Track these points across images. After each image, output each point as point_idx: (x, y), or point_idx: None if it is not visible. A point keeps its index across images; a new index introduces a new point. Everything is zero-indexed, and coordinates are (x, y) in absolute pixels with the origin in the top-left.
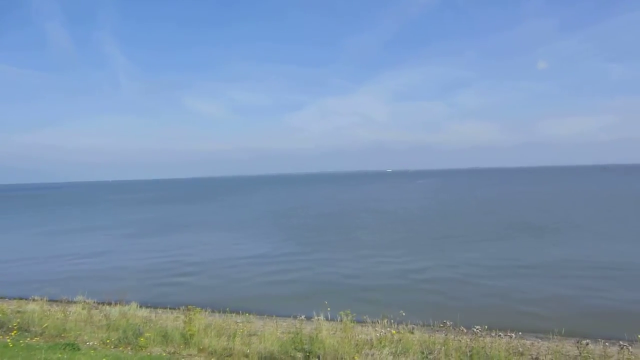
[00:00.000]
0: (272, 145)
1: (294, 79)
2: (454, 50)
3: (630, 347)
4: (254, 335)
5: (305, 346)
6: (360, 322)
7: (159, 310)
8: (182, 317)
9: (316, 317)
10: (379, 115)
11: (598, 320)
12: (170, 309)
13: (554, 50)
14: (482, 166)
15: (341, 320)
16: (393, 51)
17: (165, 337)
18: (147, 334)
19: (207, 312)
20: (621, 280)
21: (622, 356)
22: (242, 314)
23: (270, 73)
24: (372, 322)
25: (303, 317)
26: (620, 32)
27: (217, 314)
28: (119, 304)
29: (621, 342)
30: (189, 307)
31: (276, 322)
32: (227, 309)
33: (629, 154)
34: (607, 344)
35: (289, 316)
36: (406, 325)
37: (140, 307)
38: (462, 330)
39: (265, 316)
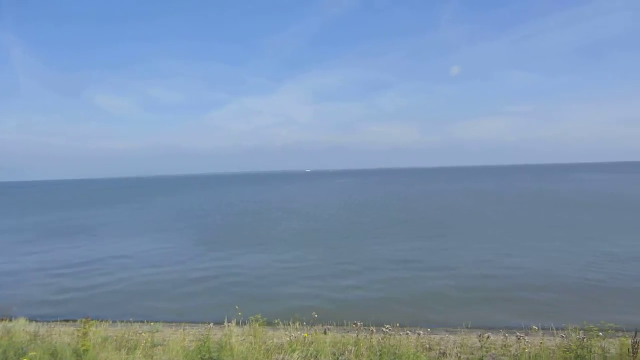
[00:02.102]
0: (191, 144)
1: (214, 77)
2: (375, 52)
3: (525, 337)
4: (159, 345)
5: (213, 354)
6: (273, 325)
7: (53, 324)
8: (78, 330)
9: (226, 323)
10: (299, 115)
11: (500, 311)
12: (64, 321)
13: (468, 55)
14: (400, 166)
15: (252, 325)
16: (314, 51)
17: (53, 355)
18: (32, 353)
19: (107, 324)
20: (519, 273)
21: (519, 345)
22: (148, 322)
23: (189, 70)
24: (284, 325)
25: (211, 324)
26: (528, 41)
27: (119, 325)
28: (3, 320)
29: (518, 333)
30: (85, 318)
31: (184, 329)
32: (131, 318)
33: (534, 154)
34: (506, 334)
35: (200, 322)
36: (320, 326)
37: (30, 321)
38: (372, 330)
39: (174, 324)
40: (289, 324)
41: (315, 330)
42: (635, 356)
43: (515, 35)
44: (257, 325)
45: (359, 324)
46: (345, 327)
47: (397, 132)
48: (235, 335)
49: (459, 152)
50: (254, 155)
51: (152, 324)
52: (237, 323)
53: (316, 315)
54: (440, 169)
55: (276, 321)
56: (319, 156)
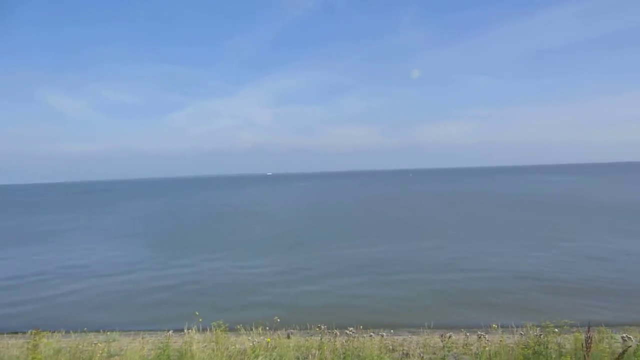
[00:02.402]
0: (149, 147)
1: (173, 79)
2: (336, 54)
3: (486, 336)
4: (116, 355)
5: None
6: (235, 331)
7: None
8: (28, 343)
9: (187, 330)
10: (260, 118)
11: (461, 311)
12: (13, 334)
13: (428, 58)
14: (362, 169)
15: (214, 331)
16: (275, 54)
17: None
18: None
19: (60, 335)
20: (478, 273)
21: (480, 344)
22: (104, 332)
23: (146, 72)
24: (247, 331)
25: (171, 332)
26: (486, 46)
27: (72, 336)
28: None
29: (479, 332)
30: (36, 330)
31: (143, 338)
32: (85, 328)
33: (489, 157)
34: (468, 334)
35: (159, 330)
36: (284, 330)
37: None
38: (336, 333)
39: (132, 332)
40: (252, 330)
41: (279, 334)
42: (589, 350)
43: (474, 40)
44: (219, 331)
45: (322, 327)
46: (308, 331)
47: (358, 134)
48: (196, 342)
49: (420, 155)
50: (214, 158)
51: (108, 333)
52: (198, 330)
53: (279, 320)
54: (401, 171)
55: (238, 327)
56: (281, 159)
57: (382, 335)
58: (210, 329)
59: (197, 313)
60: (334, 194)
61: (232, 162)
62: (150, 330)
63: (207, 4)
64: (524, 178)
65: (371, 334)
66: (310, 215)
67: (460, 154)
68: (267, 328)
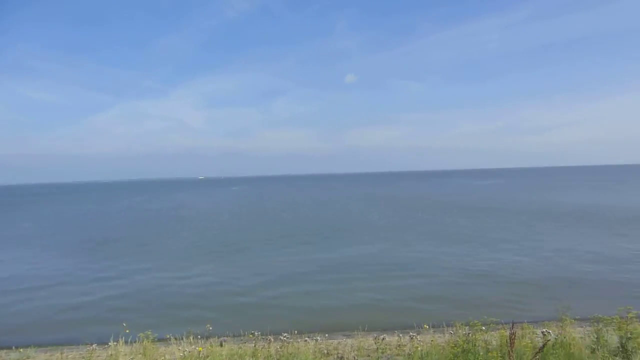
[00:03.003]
0: (71, 149)
1: (99, 78)
2: (270, 57)
3: (418, 336)
4: None
5: None
6: (165, 341)
7: None
8: None
9: (112, 342)
10: (192, 120)
11: (394, 313)
12: None
13: (363, 63)
14: (296, 173)
15: (142, 342)
16: (208, 55)
17: None
18: None
19: None
20: (408, 274)
21: (412, 344)
22: (17, 349)
23: (69, 70)
24: (177, 340)
25: (95, 345)
26: (418, 54)
27: None
28: None
29: (411, 333)
30: None
31: (62, 353)
32: None
33: (418, 160)
34: (400, 335)
35: (81, 344)
36: (216, 338)
37: None
38: (270, 339)
39: (49, 348)
40: (182, 339)
41: (211, 343)
42: (513, 346)
43: (407, 46)
44: (147, 342)
45: (256, 333)
46: (242, 338)
47: (293, 138)
48: (122, 355)
49: (355, 159)
50: (143, 161)
51: (21, 350)
52: (125, 342)
53: (211, 328)
54: (336, 175)
55: (168, 337)
56: (213, 163)
57: (317, 340)
58: (138, 341)
59: (125, 324)
60: (267, 199)
61: (162, 165)
62: (71, 345)
63: (137, 2)
64: (453, 182)
65: (306, 338)
66: (241, 220)
67: (393, 158)
68: (199, 337)
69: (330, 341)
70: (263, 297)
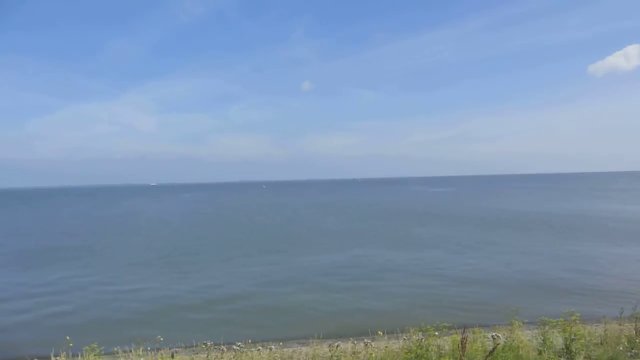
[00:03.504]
0: (10, 154)
1: (44, 81)
2: (225, 63)
3: (372, 343)
4: None
5: None
6: (112, 355)
7: None
8: None
9: (53, 357)
10: (143, 125)
11: (349, 320)
12: None
13: (319, 70)
14: (253, 179)
15: (86, 356)
16: (161, 60)
17: None
18: None
19: None
20: (363, 282)
21: (367, 351)
22: None
23: (7, 69)
24: (125, 353)
25: None
26: (372, 63)
27: None
28: None
29: (365, 340)
30: None
31: None
32: None
33: (373, 168)
34: (355, 342)
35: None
36: (167, 350)
37: None
38: (223, 349)
39: None
40: (131, 351)
41: (162, 354)
42: (464, 350)
43: (363, 54)
44: (92, 356)
45: (209, 344)
46: (194, 349)
47: (248, 144)
48: None
49: (311, 166)
50: (91, 166)
51: None
52: (68, 356)
53: (162, 339)
54: (292, 182)
55: (116, 349)
56: (166, 168)
57: (271, 349)
58: (82, 354)
59: (68, 337)
60: (219, 206)
61: (112, 170)
62: None
63: (88, 5)
64: (407, 189)
65: (259, 347)
66: (191, 229)
67: (349, 165)
68: (149, 348)
69: (285, 350)
70: (214, 307)
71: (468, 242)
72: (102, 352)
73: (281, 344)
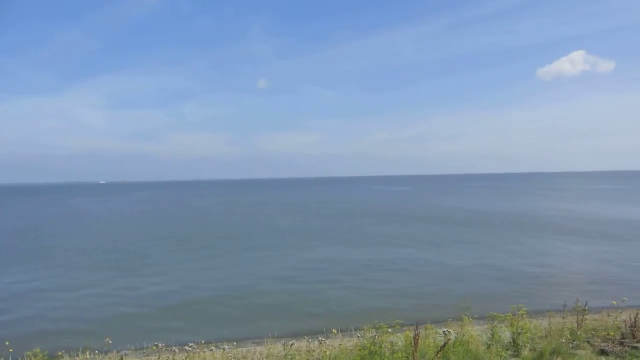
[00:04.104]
0: None
1: None
2: (180, 59)
3: (327, 341)
4: None
5: None
6: (56, 359)
7: None
8: None
9: None
10: (93, 121)
11: (304, 319)
12: None
13: (276, 68)
14: (209, 178)
15: None
16: (112, 54)
17: None
18: None
19: None
20: (316, 280)
21: (321, 349)
22: None
23: None
24: (72, 358)
25: None
26: (331, 62)
27: None
28: None
29: (320, 337)
30: None
31: None
32: None
33: (332, 167)
34: (310, 340)
35: None
36: (116, 352)
37: None
38: (175, 350)
39: None
40: (77, 355)
41: (110, 357)
42: (417, 346)
43: (321, 53)
44: None
45: (160, 345)
46: (145, 351)
47: (204, 142)
48: None
49: (267, 165)
50: (35, 164)
51: None
52: None
53: (111, 341)
54: (249, 181)
55: (60, 354)
56: (117, 166)
57: (224, 349)
58: (24, 359)
59: (8, 342)
60: (171, 205)
61: (58, 167)
62: None
63: None
64: (367, 188)
65: (212, 348)
66: (142, 227)
67: (307, 163)
68: (97, 352)
69: (239, 349)
70: (165, 307)
71: (422, 239)
72: (46, 357)
73: (235, 343)
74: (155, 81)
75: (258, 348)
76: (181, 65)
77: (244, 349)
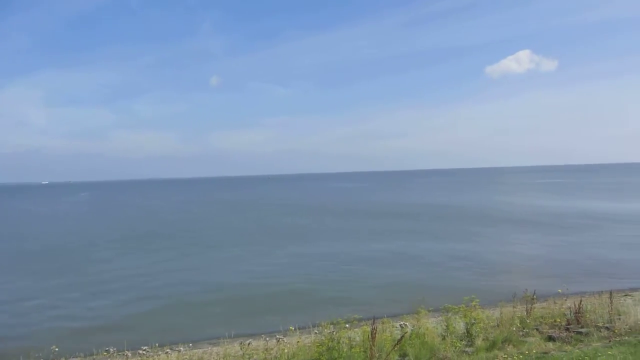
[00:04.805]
0: None
1: None
2: (128, 55)
3: (284, 338)
4: None
5: None
6: None
7: None
8: None
9: None
10: (33, 119)
11: (262, 316)
12: None
13: (228, 65)
14: (160, 177)
15: None
16: (54, 49)
17: None
18: None
19: None
20: (265, 280)
21: (279, 347)
22: None
23: None
24: None
25: None
26: (285, 59)
27: None
28: None
29: (277, 335)
30: None
31: None
32: None
33: (286, 164)
34: (267, 339)
35: None
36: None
37: None
38: (127, 354)
39: None
40: None
41: None
42: (374, 340)
43: (271, 50)
44: None
45: (111, 350)
46: (95, 357)
47: (155, 140)
48: None
49: (219, 163)
50: None
51: None
52: None
53: (57, 349)
54: (202, 179)
55: None
56: (61, 166)
57: (180, 351)
58: None
59: None
60: (118, 205)
61: None
62: None
63: None
64: (321, 185)
65: (167, 350)
66: (87, 228)
67: (261, 161)
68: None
69: (195, 351)
70: (116, 310)
71: (379, 233)
72: None
73: (191, 345)
74: (103, 77)
75: (215, 349)
76: (130, 62)
77: (200, 350)
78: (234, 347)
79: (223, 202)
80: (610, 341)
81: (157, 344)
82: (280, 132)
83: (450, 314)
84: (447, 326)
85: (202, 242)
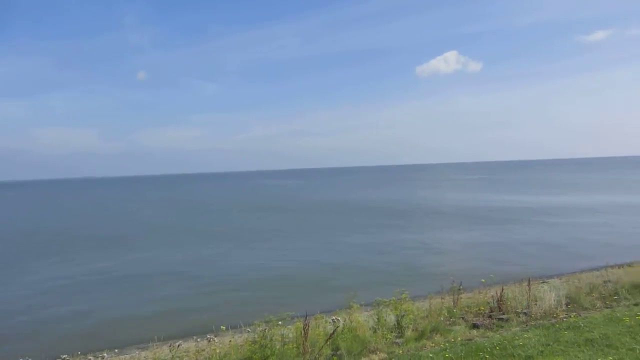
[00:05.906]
0: None
1: None
2: (43, 48)
3: (216, 339)
4: None
5: None
6: None
7: None
8: None
9: None
10: None
11: (192, 319)
12: None
13: (155, 60)
14: (81, 176)
15: None
16: None
17: None
18: None
19: None
20: (199, 280)
21: (211, 348)
22: None
23: None
24: None
25: None
26: (212, 55)
27: None
28: None
29: (208, 336)
30: None
31: None
32: None
33: (213, 162)
34: (198, 340)
35: None
36: None
37: None
38: None
39: None
40: None
41: None
42: (307, 335)
43: (203, 46)
44: None
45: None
46: None
47: (74, 137)
48: None
49: (147, 160)
50: None
51: None
52: None
53: None
54: (126, 178)
55: None
56: None
57: (103, 357)
58: None
59: None
60: (39, 205)
61: None
62: None
63: None
64: (255, 183)
65: (90, 358)
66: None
67: (188, 159)
68: None
69: (122, 357)
70: (36, 316)
71: (300, 233)
72: None
73: (117, 350)
74: (14, 69)
75: (143, 353)
76: (44, 55)
77: (127, 355)
78: (164, 350)
79: (150, 201)
80: (527, 325)
81: (79, 352)
82: (208, 129)
83: (381, 307)
84: (378, 319)
85: (125, 243)
